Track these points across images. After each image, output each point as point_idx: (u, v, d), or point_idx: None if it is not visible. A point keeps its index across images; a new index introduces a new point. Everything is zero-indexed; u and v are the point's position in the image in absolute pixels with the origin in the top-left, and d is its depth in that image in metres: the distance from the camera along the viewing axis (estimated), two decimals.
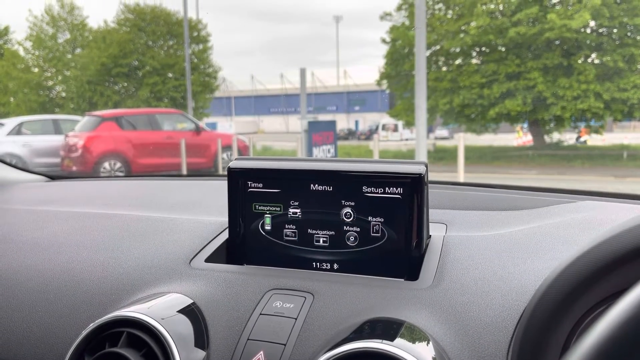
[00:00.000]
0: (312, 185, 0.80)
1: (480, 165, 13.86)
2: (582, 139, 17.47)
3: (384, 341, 0.59)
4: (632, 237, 0.49)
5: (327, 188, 0.79)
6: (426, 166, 0.78)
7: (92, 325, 0.68)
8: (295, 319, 0.68)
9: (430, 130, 24.57)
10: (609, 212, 0.87)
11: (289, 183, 0.81)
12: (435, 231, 0.85)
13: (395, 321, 0.65)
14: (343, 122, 34.77)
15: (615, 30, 14.72)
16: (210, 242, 0.88)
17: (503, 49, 15.53)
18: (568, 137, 17.73)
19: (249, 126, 36.58)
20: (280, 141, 19.47)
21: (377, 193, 0.77)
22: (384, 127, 28.54)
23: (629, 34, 14.58)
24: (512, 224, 0.86)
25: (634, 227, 0.49)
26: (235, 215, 0.84)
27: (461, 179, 7.63)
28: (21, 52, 22.08)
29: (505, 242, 0.79)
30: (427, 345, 0.61)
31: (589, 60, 15.20)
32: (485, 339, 0.62)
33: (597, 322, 0.33)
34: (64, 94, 22.22)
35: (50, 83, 22.27)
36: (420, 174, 0.75)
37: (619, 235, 0.50)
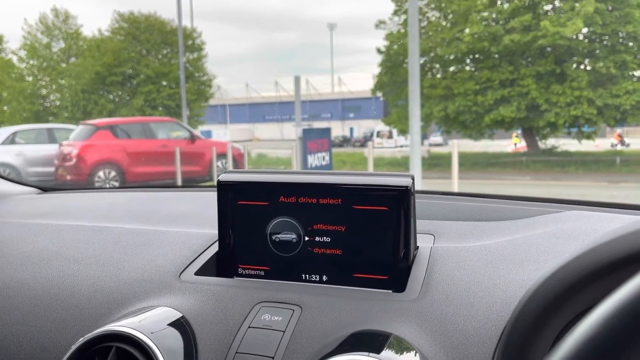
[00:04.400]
0: (300, 198, 0.80)
1: (475, 172, 13.91)
2: (615, 143, 17.60)
3: (371, 353, 0.60)
4: (612, 249, 0.50)
5: (315, 201, 0.80)
6: (413, 178, 0.78)
7: (81, 340, 0.68)
8: (283, 331, 0.69)
9: (424, 137, 24.65)
10: (595, 222, 0.88)
11: (278, 196, 0.81)
12: (423, 242, 0.86)
13: (382, 333, 0.66)
14: (338, 129, 34.86)
15: (607, 37, 14.84)
16: (200, 255, 0.89)
17: (497, 56, 15.63)
18: (562, 143, 17.82)
19: (243, 134, 36.60)
20: (275, 149, 19.48)
21: (365, 205, 0.78)
22: (378, 134, 28.60)
23: (621, 40, 14.70)
24: (499, 235, 0.87)
25: (614, 238, 0.50)
26: (225, 228, 0.85)
27: (455, 186, 7.65)
28: (15, 61, 22.05)
29: (491, 253, 0.80)
30: (414, 357, 0.62)
31: (582, 67, 15.31)
32: (470, 350, 0.63)
33: (582, 320, 0.34)
34: (58, 103, 22.19)
35: (44, 92, 22.24)
36: (406, 187, 0.76)
37: (598, 247, 0.51)
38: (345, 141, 32.39)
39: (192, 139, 11.29)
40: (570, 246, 0.79)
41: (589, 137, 16.54)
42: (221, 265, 0.86)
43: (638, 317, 0.32)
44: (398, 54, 16.91)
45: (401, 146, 23.68)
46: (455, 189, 7.50)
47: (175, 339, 0.69)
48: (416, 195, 0.81)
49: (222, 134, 30.84)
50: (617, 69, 14.37)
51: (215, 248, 0.90)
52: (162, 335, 0.68)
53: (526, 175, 13.44)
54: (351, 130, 37.45)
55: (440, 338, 0.65)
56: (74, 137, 10.43)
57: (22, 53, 21.92)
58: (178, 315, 0.73)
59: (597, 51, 14.83)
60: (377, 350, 0.61)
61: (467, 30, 15.55)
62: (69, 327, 0.78)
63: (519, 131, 18.20)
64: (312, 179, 0.80)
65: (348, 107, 39.32)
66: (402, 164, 15.84)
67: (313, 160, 9.74)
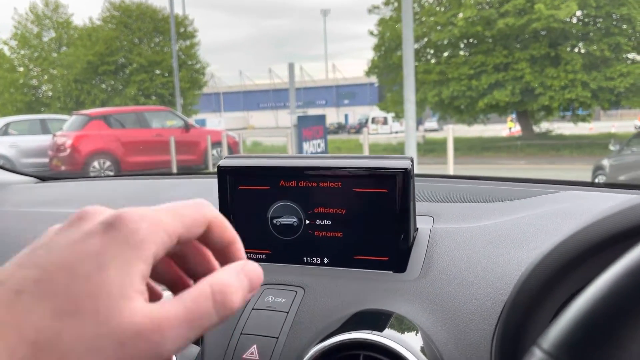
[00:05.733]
0: (301, 182, 0.81)
1: (470, 157, 13.93)
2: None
3: (374, 332, 0.61)
4: (608, 225, 0.51)
5: (316, 184, 0.80)
6: (412, 161, 0.79)
7: None
8: (287, 312, 0.70)
9: (419, 122, 24.65)
10: (591, 202, 0.89)
11: (278, 180, 0.82)
12: (423, 224, 0.87)
13: (384, 312, 0.67)
14: (333, 116, 34.79)
15: (601, 20, 14.82)
16: None
17: (490, 40, 15.59)
18: (556, 126, 17.87)
19: (238, 122, 36.51)
20: (270, 136, 19.44)
21: (365, 188, 0.78)
22: (373, 120, 28.59)
23: (615, 23, 14.69)
24: (497, 215, 0.88)
25: (610, 215, 0.51)
26: (226, 213, 0.85)
27: (451, 171, 7.68)
28: (6, 52, 21.84)
29: (490, 233, 0.81)
30: (415, 335, 0.63)
31: (576, 50, 15.30)
32: (470, 327, 0.64)
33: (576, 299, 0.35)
34: (50, 93, 22.04)
35: (36, 82, 22.07)
36: (406, 169, 0.77)
37: (595, 224, 0.52)
38: (340, 128, 32.36)
39: (187, 127, 11.25)
40: (568, 224, 0.80)
41: (583, 120, 16.58)
42: None
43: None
44: (391, 39, 16.85)
45: (396, 132, 23.67)
46: (451, 174, 7.52)
47: None
48: (415, 178, 0.82)
49: (216, 122, 30.75)
50: (611, 52, 14.37)
51: None
52: None
53: (521, 159, 13.48)
54: (346, 116, 37.39)
55: (442, 316, 0.66)
56: (67, 128, 10.37)
57: (13, 43, 21.72)
58: None
59: (591, 34, 14.81)
60: (380, 328, 0.62)
61: (460, 15, 15.49)
62: None
63: (514, 115, 18.22)
64: (312, 162, 0.81)
65: (342, 93, 39.25)
66: (398, 149, 15.85)
67: (308, 147, 9.73)
